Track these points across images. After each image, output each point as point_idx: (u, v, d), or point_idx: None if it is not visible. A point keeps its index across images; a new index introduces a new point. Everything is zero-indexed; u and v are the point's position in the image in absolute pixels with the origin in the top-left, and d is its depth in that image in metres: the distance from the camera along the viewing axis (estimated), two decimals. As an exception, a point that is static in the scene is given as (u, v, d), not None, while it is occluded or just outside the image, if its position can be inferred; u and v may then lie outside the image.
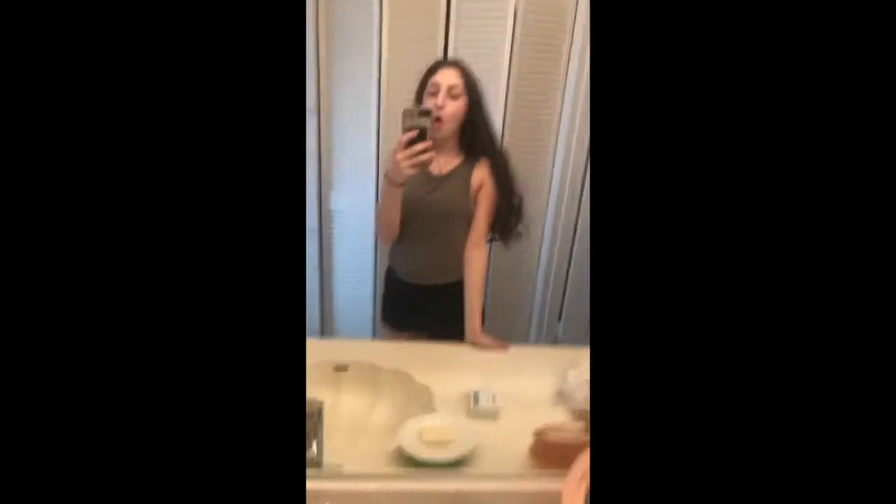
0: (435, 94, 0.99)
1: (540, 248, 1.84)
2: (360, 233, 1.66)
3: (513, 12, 1.49)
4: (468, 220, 1.08)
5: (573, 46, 1.56)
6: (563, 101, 1.63)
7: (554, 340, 1.93)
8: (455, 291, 1.10)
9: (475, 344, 1.05)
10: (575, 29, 1.55)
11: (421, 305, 1.12)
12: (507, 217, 1.09)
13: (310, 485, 0.62)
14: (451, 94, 0.99)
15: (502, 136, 1.61)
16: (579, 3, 1.52)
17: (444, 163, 1.06)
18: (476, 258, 1.09)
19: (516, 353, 1.06)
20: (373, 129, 1.55)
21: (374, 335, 1.59)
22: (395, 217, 1.02)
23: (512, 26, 1.50)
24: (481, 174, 1.06)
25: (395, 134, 0.98)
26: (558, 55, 1.59)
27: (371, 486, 0.62)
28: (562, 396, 0.87)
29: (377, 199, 1.39)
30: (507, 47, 1.52)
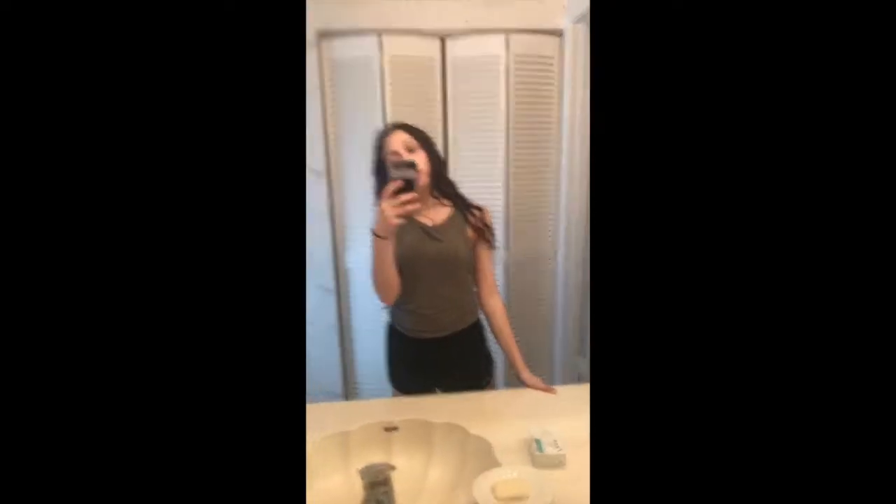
0: (398, 153, 1.00)
1: (554, 286, 1.85)
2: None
3: (504, 65, 1.58)
4: (470, 267, 1.09)
5: (563, 87, 1.65)
6: (561, 139, 1.70)
7: (577, 377, 1.90)
8: (464, 339, 1.10)
9: (531, 384, 1.05)
10: (563, 72, 1.64)
11: (429, 360, 1.09)
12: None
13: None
14: (408, 148, 1.00)
15: (507, 179, 1.66)
16: (564, 48, 1.63)
17: (434, 214, 1.07)
18: (497, 305, 1.12)
19: (561, 392, 1.04)
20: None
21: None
22: (392, 273, 0.99)
23: (505, 79, 1.59)
24: (475, 222, 1.07)
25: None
26: (550, 98, 1.68)
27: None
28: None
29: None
30: (503, 98, 1.60)
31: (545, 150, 1.72)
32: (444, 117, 1.65)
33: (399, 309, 1.10)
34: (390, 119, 1.56)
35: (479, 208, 1.09)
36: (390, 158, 0.98)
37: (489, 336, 1.14)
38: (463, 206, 1.08)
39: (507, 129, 1.63)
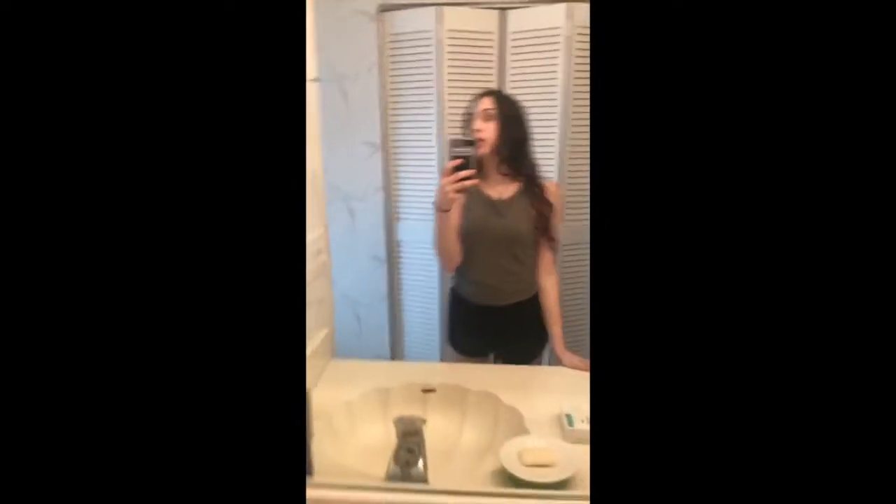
0: (473, 119, 1.06)
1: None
2: (426, 261, 1.71)
3: (566, 37, 1.53)
4: (533, 243, 1.10)
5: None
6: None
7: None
8: (523, 310, 1.13)
9: (568, 364, 1.07)
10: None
11: (488, 325, 1.14)
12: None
13: (419, 498, 0.64)
14: (485, 117, 1.05)
15: (562, 158, 1.63)
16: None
17: (502, 189, 1.09)
18: (551, 285, 1.14)
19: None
20: (434, 161, 1.62)
21: (442, 359, 1.61)
22: (452, 243, 1.05)
23: (566, 51, 1.53)
24: (541, 201, 1.08)
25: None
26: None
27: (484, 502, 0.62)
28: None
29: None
30: (561, 74, 1.55)
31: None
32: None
33: (461, 277, 1.15)
34: (446, 93, 1.57)
35: (549, 203, 1.09)
36: (461, 133, 1.05)
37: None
38: (531, 188, 1.09)
39: (565, 103, 1.59)
